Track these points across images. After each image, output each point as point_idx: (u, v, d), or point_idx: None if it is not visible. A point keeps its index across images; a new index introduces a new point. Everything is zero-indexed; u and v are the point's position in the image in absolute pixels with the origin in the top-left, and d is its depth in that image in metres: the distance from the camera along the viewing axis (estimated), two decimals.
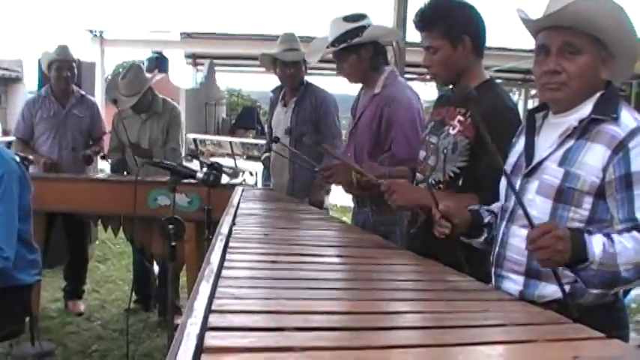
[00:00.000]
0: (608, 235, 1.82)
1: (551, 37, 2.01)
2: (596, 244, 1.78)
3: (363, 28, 3.47)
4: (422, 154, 2.89)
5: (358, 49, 3.49)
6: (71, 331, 4.90)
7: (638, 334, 5.00)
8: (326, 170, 3.40)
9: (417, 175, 2.90)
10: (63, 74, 5.37)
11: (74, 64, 5.48)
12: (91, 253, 6.78)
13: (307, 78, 4.71)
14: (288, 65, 4.52)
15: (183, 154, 5.62)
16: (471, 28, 2.71)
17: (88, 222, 5.37)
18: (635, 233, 1.81)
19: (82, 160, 5.41)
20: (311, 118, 4.50)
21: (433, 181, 2.73)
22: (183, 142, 5.54)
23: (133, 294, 5.08)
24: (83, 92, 5.70)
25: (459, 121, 2.67)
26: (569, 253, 1.76)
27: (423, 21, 2.75)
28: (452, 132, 2.68)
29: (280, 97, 4.75)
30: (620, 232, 1.83)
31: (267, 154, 4.88)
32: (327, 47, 3.58)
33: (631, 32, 1.97)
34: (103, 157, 5.50)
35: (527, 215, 1.81)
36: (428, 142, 2.84)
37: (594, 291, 1.87)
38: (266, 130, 5.50)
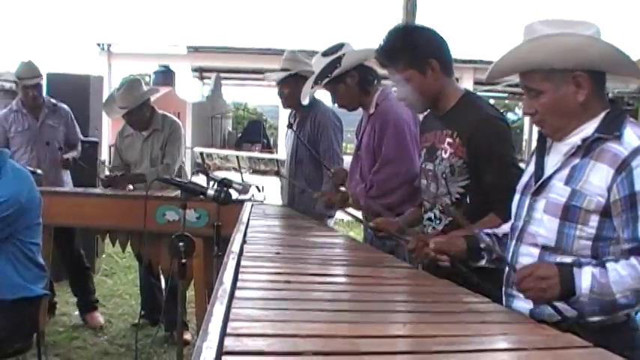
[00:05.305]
0: (602, 265, 1.86)
1: (520, 83, 2.09)
2: (585, 277, 1.84)
3: (340, 58, 3.49)
4: (423, 182, 2.89)
5: (344, 78, 3.52)
6: (78, 346, 4.87)
7: None
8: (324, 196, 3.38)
9: (425, 203, 2.90)
10: (30, 94, 5.42)
11: (39, 82, 5.49)
12: (97, 267, 6.77)
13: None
14: (279, 85, 4.50)
15: (189, 170, 5.56)
16: (434, 51, 2.70)
17: (94, 236, 5.36)
18: (632, 260, 1.83)
19: (60, 163, 5.43)
20: (310, 140, 4.43)
21: (440, 207, 2.74)
22: (186, 156, 5.48)
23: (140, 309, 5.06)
24: (55, 101, 5.69)
25: (449, 143, 2.68)
26: (558, 288, 1.84)
27: (385, 57, 2.75)
28: (445, 155, 2.69)
29: (292, 115, 4.72)
30: (616, 259, 1.87)
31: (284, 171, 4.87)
32: (312, 87, 3.64)
33: (595, 42, 1.93)
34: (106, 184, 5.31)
35: (505, 261, 2.01)
36: (425, 169, 2.85)
37: (594, 318, 1.90)
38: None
